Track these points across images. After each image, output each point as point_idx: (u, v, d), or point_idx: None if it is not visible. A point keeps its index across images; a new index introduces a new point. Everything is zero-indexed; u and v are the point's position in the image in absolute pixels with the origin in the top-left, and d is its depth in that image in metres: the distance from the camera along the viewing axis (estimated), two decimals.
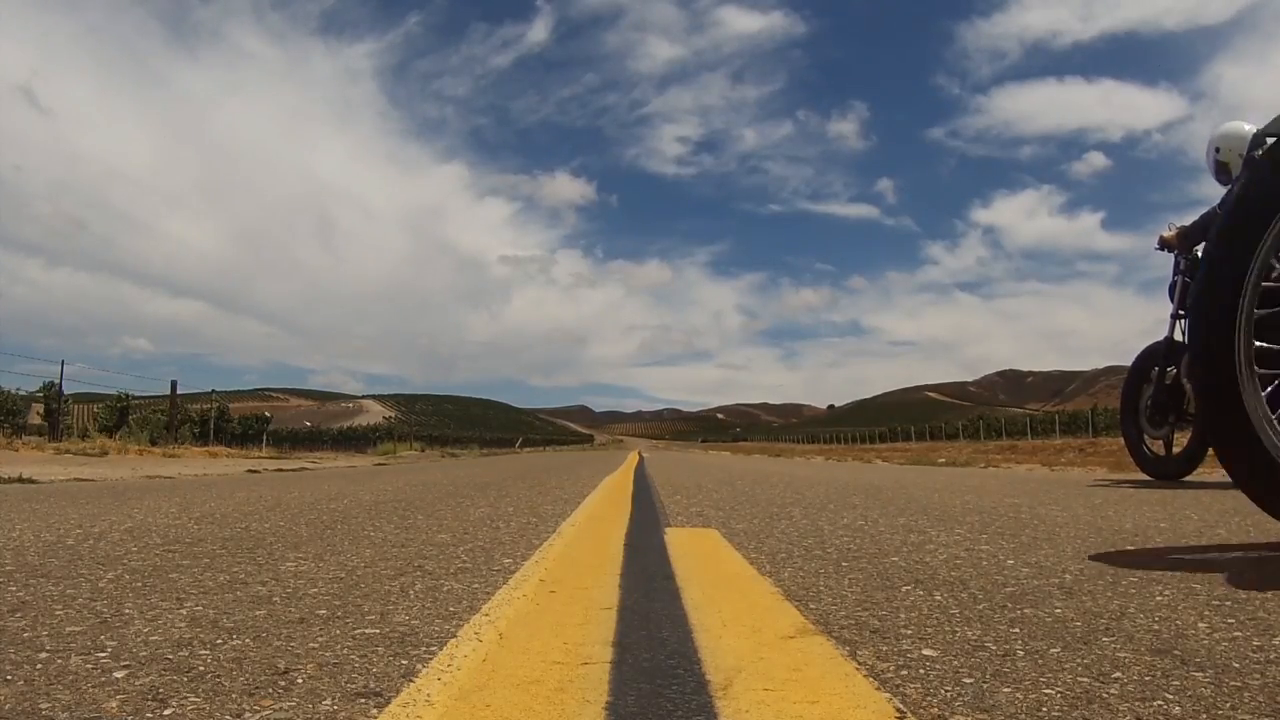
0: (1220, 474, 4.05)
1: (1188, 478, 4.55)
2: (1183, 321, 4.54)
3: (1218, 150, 4.20)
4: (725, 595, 1.13)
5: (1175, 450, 4.75)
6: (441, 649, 0.81)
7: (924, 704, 0.65)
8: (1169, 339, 4.57)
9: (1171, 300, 4.63)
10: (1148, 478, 4.69)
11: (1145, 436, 4.79)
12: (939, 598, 1.08)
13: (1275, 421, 1.63)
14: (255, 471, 6.60)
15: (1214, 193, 4.35)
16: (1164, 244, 4.68)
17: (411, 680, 0.71)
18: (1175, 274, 4.67)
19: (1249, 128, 4.14)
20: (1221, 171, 4.19)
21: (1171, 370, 4.52)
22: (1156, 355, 4.64)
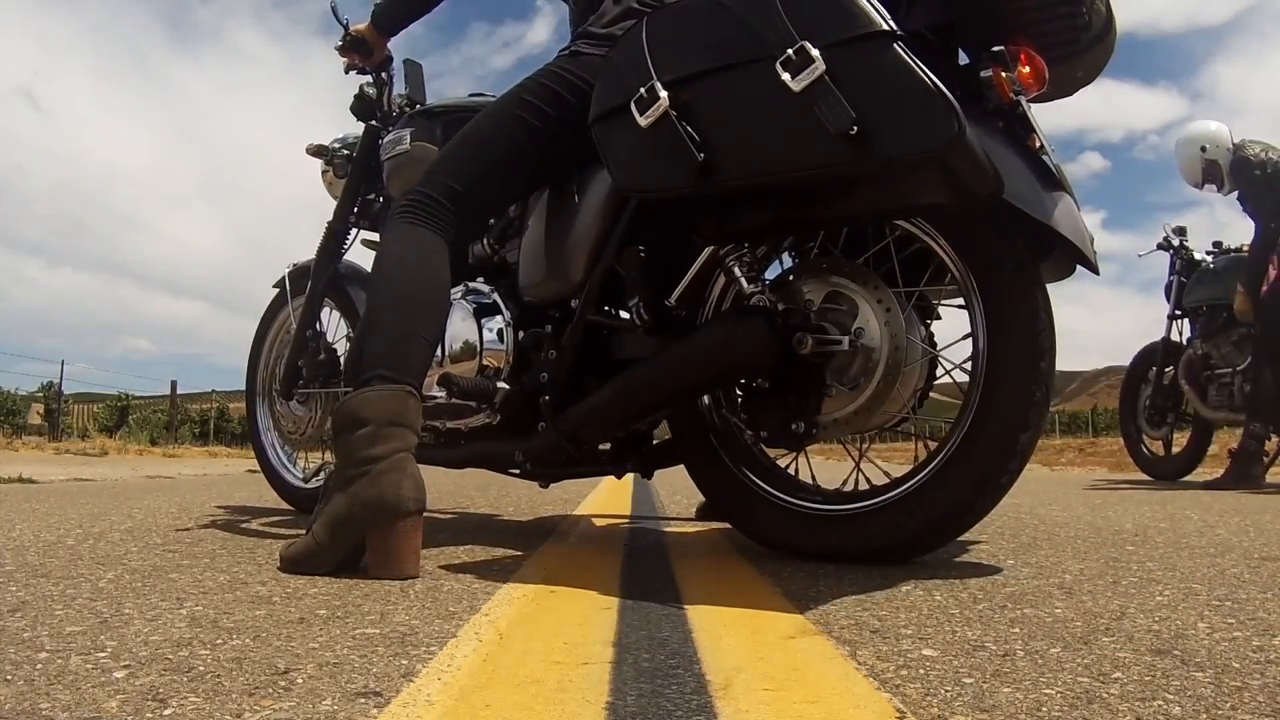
0: (1220, 474, 4.06)
1: (1187, 478, 4.56)
2: (1179, 322, 4.55)
3: (1204, 149, 4.05)
4: (725, 594, 1.13)
5: (1174, 450, 4.75)
6: (441, 649, 0.81)
7: (924, 704, 0.65)
8: (1166, 339, 4.59)
9: (1168, 300, 4.64)
10: (1148, 478, 4.70)
11: (1144, 436, 4.80)
12: (939, 597, 1.08)
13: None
14: (255, 471, 6.59)
15: (1201, 196, 4.31)
16: None
17: (411, 680, 0.71)
18: (1171, 274, 4.68)
19: (1216, 126, 4.04)
20: (1210, 171, 4.05)
21: (1170, 370, 4.53)
22: (1154, 355, 4.65)
